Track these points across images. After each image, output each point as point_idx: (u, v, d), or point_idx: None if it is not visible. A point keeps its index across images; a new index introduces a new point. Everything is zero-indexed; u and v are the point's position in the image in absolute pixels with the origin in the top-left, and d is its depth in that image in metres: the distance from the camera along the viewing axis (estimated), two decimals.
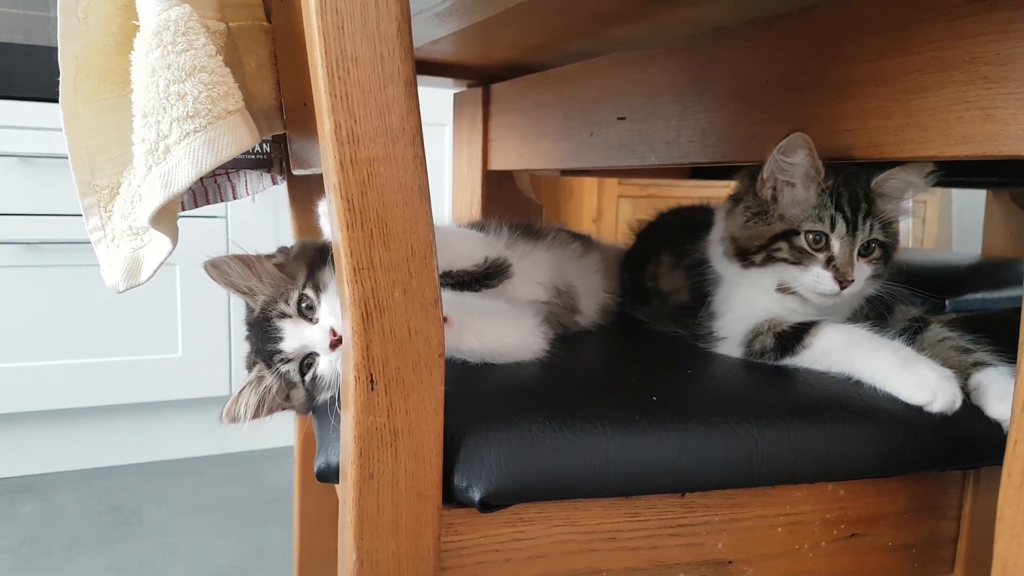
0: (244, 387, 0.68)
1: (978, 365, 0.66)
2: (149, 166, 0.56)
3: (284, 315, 0.66)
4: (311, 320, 0.66)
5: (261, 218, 2.15)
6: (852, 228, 0.68)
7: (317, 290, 0.66)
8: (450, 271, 0.67)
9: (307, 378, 0.66)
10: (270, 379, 0.67)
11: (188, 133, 0.55)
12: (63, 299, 1.97)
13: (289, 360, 0.66)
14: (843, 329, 0.68)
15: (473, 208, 1.36)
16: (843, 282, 0.68)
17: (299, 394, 0.67)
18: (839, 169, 0.70)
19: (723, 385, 0.67)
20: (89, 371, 2.03)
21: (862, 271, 0.69)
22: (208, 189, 0.93)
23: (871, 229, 0.69)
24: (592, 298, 0.85)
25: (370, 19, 0.47)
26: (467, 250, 0.69)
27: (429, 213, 0.49)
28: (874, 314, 0.74)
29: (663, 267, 0.86)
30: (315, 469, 0.57)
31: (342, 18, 0.47)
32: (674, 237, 0.82)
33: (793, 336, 0.68)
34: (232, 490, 1.99)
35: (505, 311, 0.67)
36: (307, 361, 0.66)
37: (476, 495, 0.52)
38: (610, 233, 2.40)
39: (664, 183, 2.44)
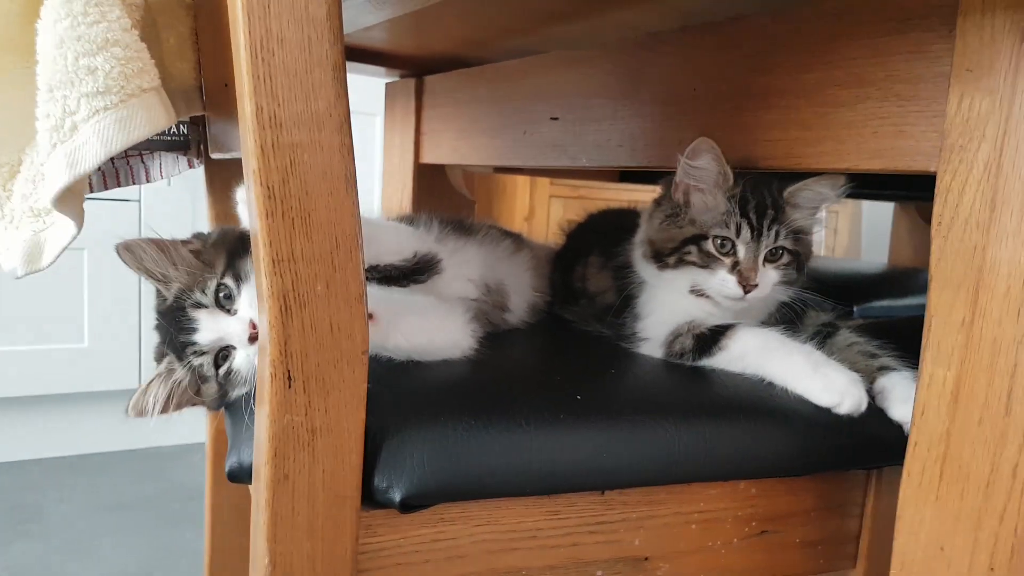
0: (153, 379, 0.65)
1: (883, 369, 0.70)
2: (54, 144, 0.52)
3: (200, 305, 0.63)
4: (229, 311, 0.63)
5: (177, 202, 2.06)
6: (757, 234, 0.71)
7: (237, 280, 0.63)
8: (377, 265, 0.65)
9: (221, 372, 0.63)
10: (180, 372, 0.64)
11: (98, 110, 0.52)
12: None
13: (203, 353, 0.63)
14: (758, 333, 0.70)
15: (404, 202, 1.34)
16: (747, 286, 0.70)
17: (211, 389, 0.64)
18: (750, 178, 0.72)
19: (645, 385, 0.68)
20: None
21: (768, 276, 0.71)
22: (119, 170, 0.89)
23: (777, 236, 0.71)
24: (522, 296, 0.85)
25: (299, 0, 0.45)
26: (395, 243, 0.67)
27: (356, 204, 0.48)
28: (787, 319, 0.77)
29: (591, 268, 0.86)
30: (226, 469, 0.55)
31: None
32: (602, 239, 0.83)
33: (711, 338, 0.70)
34: (141, 488, 1.90)
35: (434, 308, 0.66)
36: (222, 354, 0.63)
37: (397, 496, 0.51)
38: (541, 232, 2.42)
39: (595, 185, 2.48)
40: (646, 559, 0.61)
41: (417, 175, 1.30)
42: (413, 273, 0.67)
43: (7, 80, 0.62)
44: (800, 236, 0.73)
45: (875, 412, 0.67)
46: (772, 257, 0.71)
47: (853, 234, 3.54)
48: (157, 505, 1.82)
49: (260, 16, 0.45)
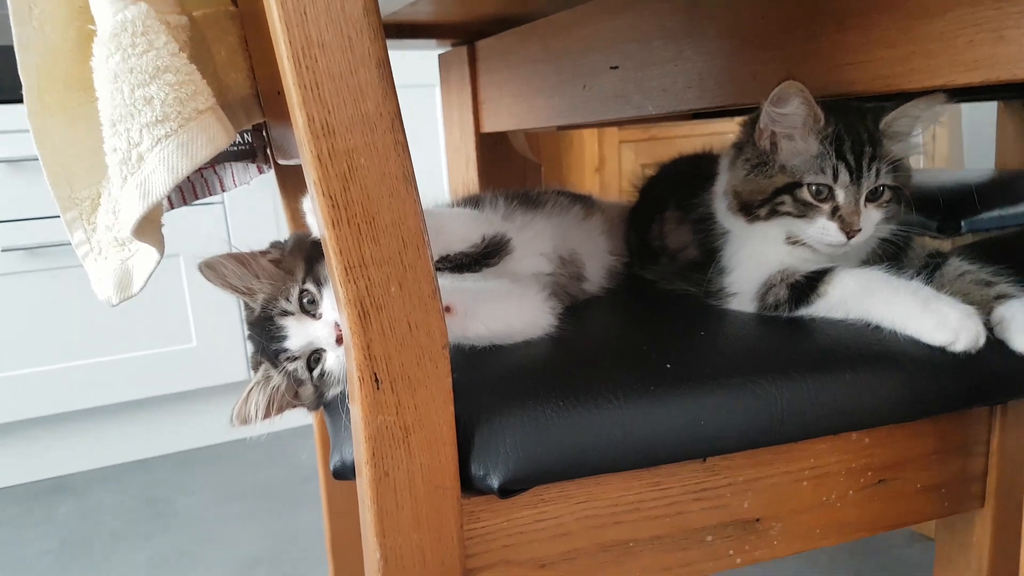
0: (252, 388, 0.67)
1: (1001, 298, 0.64)
2: (124, 176, 0.54)
3: (286, 312, 0.64)
4: (314, 316, 0.64)
5: (259, 202, 2.12)
6: (856, 176, 0.66)
7: (318, 284, 0.64)
8: (447, 255, 0.65)
9: (315, 375, 0.65)
10: (277, 378, 0.66)
11: (160, 139, 0.52)
12: (72, 301, 1.97)
13: (296, 358, 0.65)
14: (858, 274, 0.66)
15: (469, 174, 1.33)
16: (850, 232, 0.65)
17: (308, 391, 0.66)
18: (841, 112, 0.67)
19: (738, 344, 0.65)
20: (109, 369, 2.04)
21: (871, 217, 0.66)
22: (195, 184, 0.91)
23: (878, 174, 0.66)
24: (598, 263, 0.83)
25: (333, 1, 0.44)
26: (462, 231, 0.67)
27: (417, 201, 0.47)
28: (889, 254, 0.72)
29: (668, 223, 0.83)
30: (331, 468, 0.56)
31: (304, 3, 0.44)
32: (678, 190, 0.79)
33: (807, 286, 0.66)
34: (262, 473, 2.01)
35: (510, 291, 0.65)
36: (314, 357, 0.65)
37: (495, 482, 0.51)
38: (614, 182, 2.36)
39: (666, 125, 2.38)
40: (757, 520, 0.60)
41: (480, 145, 1.28)
42: (484, 257, 0.66)
43: (76, 116, 0.64)
44: (900, 168, 0.67)
45: (995, 345, 0.62)
46: (873, 196, 0.66)
47: (954, 142, 3.29)
48: (280, 488, 1.93)
49: (298, 23, 0.44)
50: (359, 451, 0.49)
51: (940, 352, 0.60)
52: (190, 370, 2.12)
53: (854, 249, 0.69)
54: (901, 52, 0.61)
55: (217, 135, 0.55)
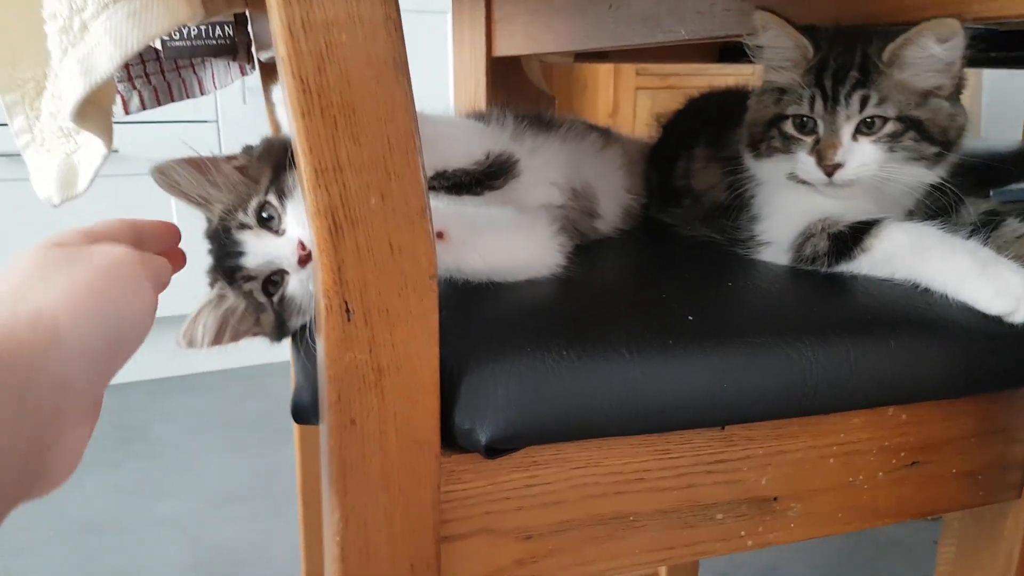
0: (203, 307, 0.59)
1: None
2: (65, 48, 0.45)
3: (244, 226, 0.56)
4: (276, 231, 0.56)
5: (253, 119, 2.01)
6: (832, 104, 0.59)
7: (281, 196, 0.55)
8: (444, 171, 0.56)
9: (275, 299, 0.57)
10: (233, 300, 0.58)
11: (107, 4, 0.43)
12: (47, 213, 1.88)
13: (252, 278, 0.57)
14: (909, 228, 0.58)
15: (478, 101, 1.23)
16: (827, 167, 0.59)
17: (268, 318, 0.58)
18: (842, 40, 0.60)
19: (770, 299, 0.57)
20: None
21: (862, 153, 0.59)
22: (171, 84, 0.82)
23: (864, 102, 0.58)
24: (613, 199, 0.74)
25: None
26: (464, 144, 0.57)
27: (409, 95, 0.39)
28: (940, 208, 0.64)
29: (696, 161, 0.74)
30: (291, 408, 0.49)
31: None
32: (708, 126, 0.70)
33: (851, 238, 0.58)
34: (243, 406, 1.96)
35: (514, 220, 0.57)
36: (273, 279, 0.57)
37: (482, 438, 0.44)
38: (627, 129, 2.26)
39: (687, 70, 2.26)
40: (775, 499, 0.53)
41: (491, 70, 1.17)
42: (487, 178, 0.57)
43: None
44: (923, 100, 0.59)
45: None
46: (868, 129, 0.59)
47: (973, 110, 3.19)
48: (260, 423, 1.88)
49: None
50: (323, 393, 0.42)
51: (996, 323, 0.53)
52: (174, 294, 2.04)
53: (886, 195, 0.61)
54: None
55: (178, 6, 0.45)
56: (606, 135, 0.80)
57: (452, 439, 0.45)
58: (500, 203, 0.58)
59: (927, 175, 0.61)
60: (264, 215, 0.56)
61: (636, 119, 2.29)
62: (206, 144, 2.06)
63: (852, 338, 0.51)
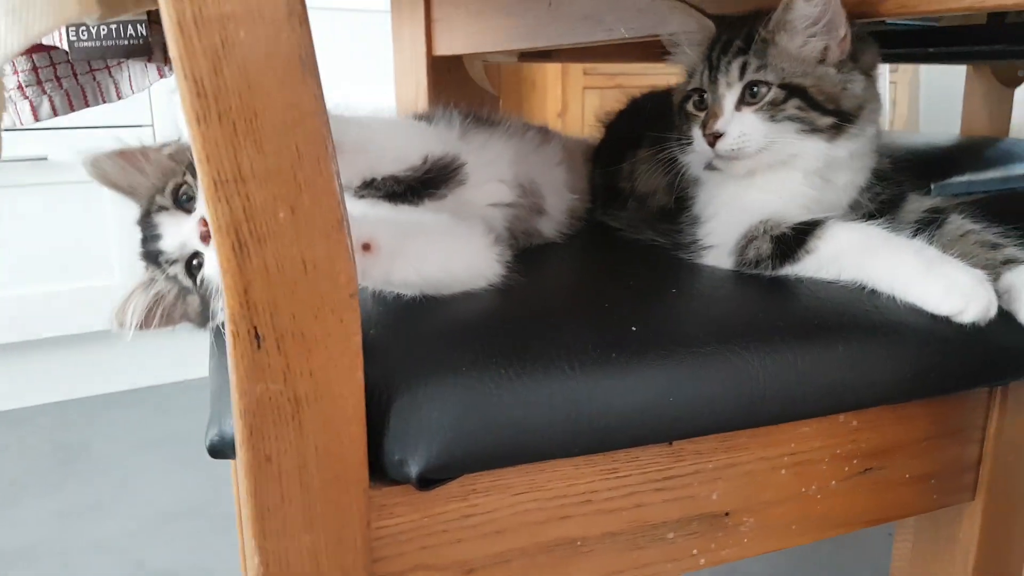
0: (134, 290, 0.57)
1: (1009, 263, 0.56)
2: None
3: (162, 208, 0.55)
4: (189, 211, 0.54)
5: None
6: (715, 73, 0.59)
7: (197, 176, 0.53)
8: (373, 180, 0.52)
9: (198, 281, 0.55)
10: (161, 283, 0.56)
11: None
12: None
13: (174, 260, 0.55)
14: (854, 228, 0.57)
15: (419, 101, 1.19)
16: (710, 136, 0.59)
17: (195, 302, 0.56)
18: (741, 22, 0.61)
19: (715, 305, 0.55)
20: (20, 303, 1.87)
21: (744, 122, 0.58)
22: (85, 88, 0.77)
23: (744, 69, 0.58)
24: (558, 197, 0.71)
25: None
26: (396, 147, 0.53)
27: (319, 96, 0.35)
28: (883, 205, 0.63)
29: (639, 163, 0.72)
30: (207, 445, 0.45)
31: None
32: (651, 127, 0.68)
33: (794, 239, 0.56)
34: (186, 421, 1.88)
35: (448, 228, 0.53)
36: (195, 262, 0.54)
37: (413, 470, 0.40)
38: (576, 128, 2.25)
39: (635, 70, 2.26)
40: (727, 514, 0.51)
41: (432, 70, 1.14)
42: (424, 186, 0.54)
43: None
44: (810, 68, 0.58)
45: (1003, 317, 0.53)
46: (751, 98, 0.58)
47: (911, 106, 3.27)
48: (203, 438, 1.81)
49: None
50: (236, 427, 0.38)
51: (944, 323, 0.52)
52: (109, 308, 1.96)
53: (827, 192, 0.61)
54: None
55: (64, 2, 0.41)
56: (544, 132, 0.77)
57: (382, 470, 0.41)
58: (439, 208, 0.55)
59: (829, 148, 0.59)
60: (182, 196, 0.54)
61: (584, 119, 2.28)
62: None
63: (799, 344, 0.49)
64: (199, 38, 0.33)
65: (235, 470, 0.95)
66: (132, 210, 0.59)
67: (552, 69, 2.29)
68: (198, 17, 0.32)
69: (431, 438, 0.41)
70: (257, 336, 0.36)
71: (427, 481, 0.41)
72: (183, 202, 0.54)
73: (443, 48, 1.12)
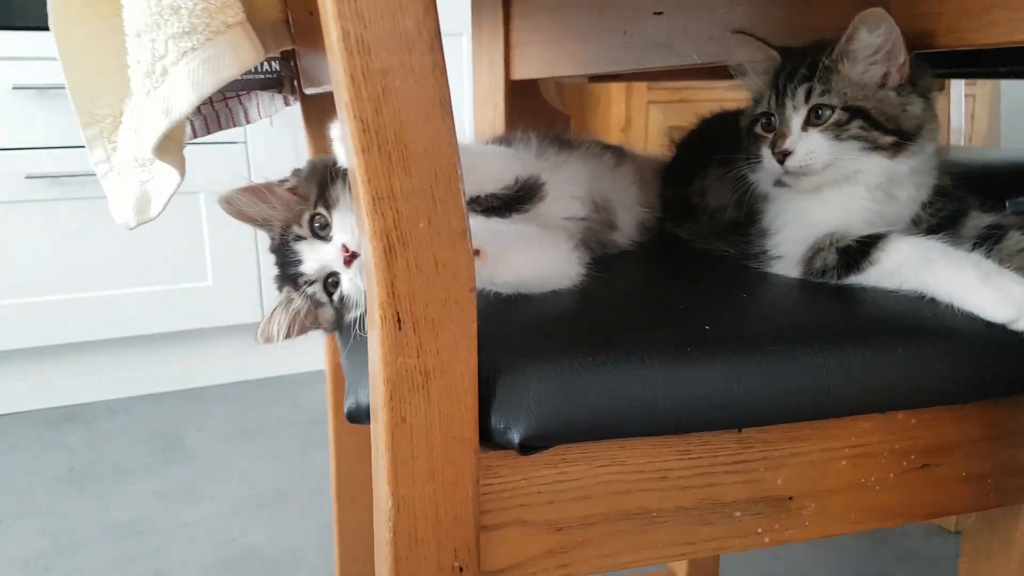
0: (276, 308, 0.68)
1: None
2: (147, 91, 0.50)
3: (299, 237, 0.64)
4: (326, 239, 0.64)
5: (280, 141, 2.09)
6: (782, 98, 0.66)
7: (328, 207, 0.63)
8: (478, 196, 0.61)
9: (335, 298, 0.65)
10: (298, 301, 0.66)
11: (186, 52, 0.49)
12: (92, 231, 1.96)
13: (313, 281, 0.65)
14: (915, 242, 0.62)
15: (496, 123, 1.28)
16: (778, 155, 0.65)
17: (328, 313, 0.66)
18: (806, 51, 0.67)
19: (782, 309, 0.61)
20: (122, 302, 2.04)
21: (810, 141, 0.64)
22: (219, 114, 0.88)
23: (809, 93, 0.64)
24: (629, 213, 0.79)
25: None
26: (496, 170, 0.63)
27: (452, 131, 0.43)
28: (945, 220, 0.68)
29: (710, 180, 0.78)
30: (345, 410, 0.54)
31: None
32: (721, 145, 0.74)
33: (859, 251, 0.62)
34: (272, 414, 2.02)
35: (539, 238, 0.62)
36: (331, 280, 0.65)
37: (515, 437, 0.48)
38: (640, 143, 2.30)
39: (698, 86, 2.30)
40: (790, 498, 0.56)
41: (509, 93, 1.23)
42: (516, 202, 0.63)
43: (101, 29, 0.60)
44: (871, 92, 0.63)
45: None
46: (816, 120, 0.64)
47: (992, 120, 3.18)
48: (288, 429, 1.94)
49: None
50: (376, 395, 0.47)
51: (1000, 331, 0.56)
52: (204, 308, 2.12)
53: (889, 204, 0.66)
54: (979, 3, 0.56)
55: (245, 52, 0.51)
56: (619, 153, 0.85)
57: (489, 437, 0.49)
58: (524, 220, 0.63)
59: (890, 164, 0.64)
60: (316, 225, 0.63)
61: (648, 133, 2.32)
62: (238, 162, 2.14)
63: (861, 345, 0.55)
64: (365, 87, 0.41)
65: (333, 451, 1.05)
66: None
67: (616, 84, 2.34)
68: (366, 71, 0.41)
69: (530, 412, 0.48)
70: (399, 320, 0.44)
71: (526, 448, 0.49)
72: (319, 230, 0.63)
73: (520, 73, 1.20)
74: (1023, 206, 1.46)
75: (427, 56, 0.42)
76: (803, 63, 0.65)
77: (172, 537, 1.48)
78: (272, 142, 2.09)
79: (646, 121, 2.36)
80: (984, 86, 3.08)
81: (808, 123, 0.64)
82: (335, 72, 0.42)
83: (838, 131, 0.63)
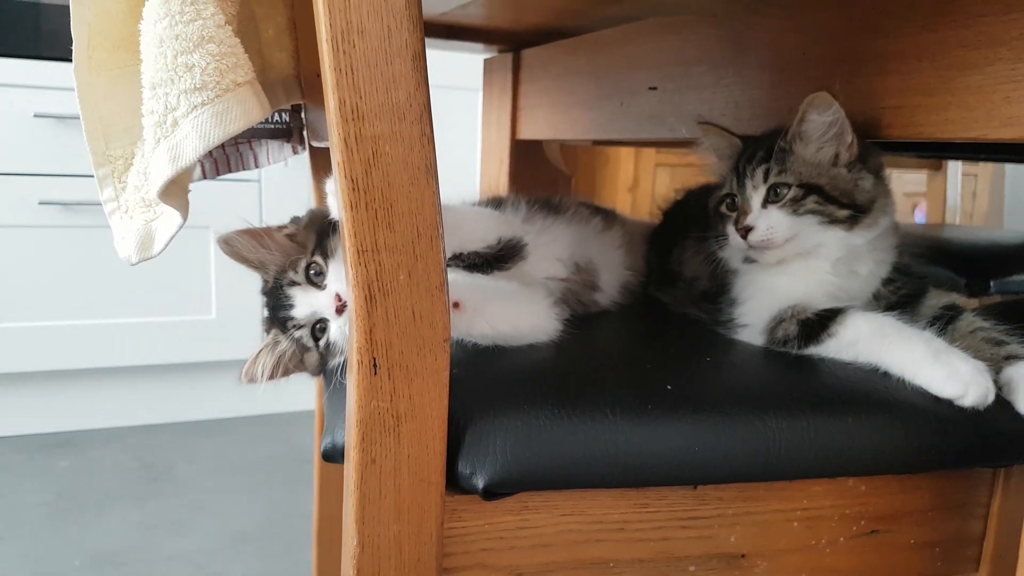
0: (261, 350, 0.70)
1: (1011, 359, 0.63)
2: (158, 139, 0.55)
3: (294, 283, 0.68)
4: (320, 287, 0.67)
5: (294, 181, 2.15)
6: (743, 179, 0.70)
7: (325, 257, 0.67)
8: (461, 253, 0.66)
9: (321, 344, 0.68)
10: (285, 344, 0.69)
11: (196, 106, 0.54)
12: (99, 259, 2.01)
13: (302, 326, 0.68)
14: (872, 318, 0.65)
15: (501, 178, 1.34)
16: (742, 230, 0.69)
17: (313, 358, 0.69)
18: (766, 136, 0.72)
19: (742, 374, 0.64)
20: (125, 331, 2.07)
21: (770, 217, 0.68)
22: (230, 157, 0.93)
23: (767, 173, 0.69)
24: (613, 275, 0.83)
25: None
26: (479, 231, 0.67)
27: (436, 193, 0.48)
28: (901, 301, 0.71)
29: (687, 251, 0.83)
30: (322, 449, 0.57)
31: None
32: (700, 218, 0.79)
33: (818, 324, 0.66)
34: (262, 450, 2.03)
35: (518, 293, 0.66)
36: (319, 327, 0.68)
37: (480, 482, 0.51)
38: (646, 203, 2.35)
39: None
40: (743, 556, 0.59)
41: (514, 151, 1.29)
42: (497, 260, 0.67)
43: (120, 77, 0.65)
44: (824, 170, 0.68)
45: (1003, 405, 0.60)
46: (775, 197, 0.68)
47: (994, 201, 3.23)
48: (276, 467, 1.95)
49: (341, 8, 0.45)
50: (349, 434, 0.50)
51: (947, 406, 0.59)
52: (206, 341, 2.15)
53: (850, 282, 0.70)
54: (939, 101, 0.60)
55: (252, 108, 0.56)
56: (609, 217, 0.89)
57: (456, 481, 0.52)
58: (507, 277, 0.67)
59: (848, 237, 0.68)
60: (311, 272, 0.67)
61: (655, 194, 2.38)
62: (250, 201, 2.20)
63: (814, 412, 0.58)
64: (357, 151, 0.46)
65: (317, 490, 1.07)
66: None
67: (626, 147, 2.40)
68: (359, 136, 0.46)
69: (495, 459, 0.51)
70: (375, 365, 0.48)
71: (490, 493, 0.52)
72: (313, 278, 0.67)
73: (526, 133, 1.26)
74: (1008, 287, 1.49)
75: (416, 125, 0.47)
76: (761, 147, 0.70)
77: (155, 569, 1.48)
78: (286, 182, 2.15)
79: (653, 182, 2.42)
80: (987, 166, 3.14)
81: (768, 201, 0.69)
82: (331, 135, 0.47)
83: (795, 206, 0.67)
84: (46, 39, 1.95)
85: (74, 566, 1.48)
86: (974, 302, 1.42)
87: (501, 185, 1.33)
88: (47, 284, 1.99)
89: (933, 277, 1.28)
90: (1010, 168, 3.14)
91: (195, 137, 0.53)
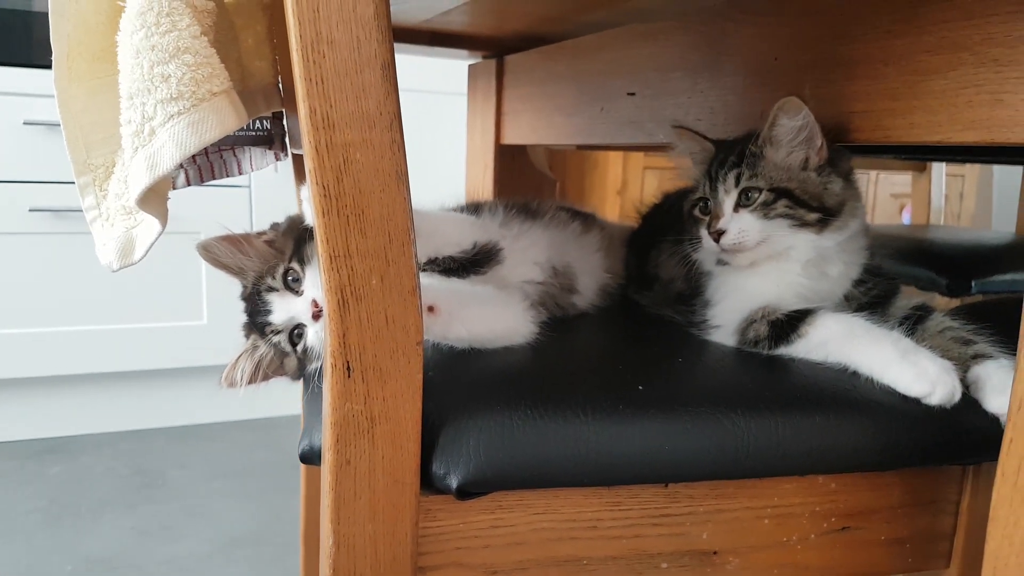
0: (241, 355, 0.71)
1: (978, 357, 0.64)
2: (135, 148, 0.56)
3: (272, 288, 0.69)
4: (297, 292, 0.68)
5: (284, 186, 2.15)
6: (716, 183, 0.71)
7: (302, 263, 0.68)
8: (436, 258, 0.67)
9: (298, 348, 0.69)
10: (264, 348, 0.70)
11: (172, 115, 0.55)
12: (90, 265, 2.01)
13: (279, 331, 0.69)
14: (841, 318, 0.66)
15: (486, 182, 1.35)
16: (714, 233, 0.70)
17: (292, 363, 0.70)
18: (738, 141, 0.73)
19: (714, 374, 0.65)
20: (117, 337, 2.08)
21: (742, 221, 0.69)
22: (214, 164, 0.94)
23: (738, 178, 0.70)
24: (591, 278, 0.84)
25: (346, 1, 0.46)
26: (455, 236, 0.68)
27: (407, 199, 0.49)
28: (872, 303, 0.73)
29: (663, 253, 0.84)
30: (299, 451, 0.58)
31: (317, 0, 0.46)
32: (675, 221, 0.80)
33: (788, 324, 0.67)
34: (254, 455, 2.03)
35: (494, 297, 0.67)
36: (296, 332, 0.69)
37: (453, 482, 0.52)
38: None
39: None
40: (714, 553, 0.60)
41: (498, 156, 1.30)
42: (472, 265, 0.68)
43: (100, 87, 0.66)
44: (795, 174, 0.69)
45: (971, 403, 0.62)
46: (746, 201, 0.70)
47: (981, 202, 3.26)
48: (268, 472, 1.95)
49: (310, 19, 0.46)
50: (325, 436, 0.51)
51: (915, 404, 0.61)
52: (197, 347, 2.15)
53: (820, 283, 0.71)
54: (904, 105, 0.62)
55: (228, 117, 0.57)
56: (588, 221, 0.90)
57: (430, 481, 0.53)
58: (483, 282, 0.68)
59: (818, 239, 0.69)
60: (289, 279, 0.67)
61: (643, 196, 2.39)
62: (240, 207, 2.20)
63: (783, 411, 0.59)
64: (329, 158, 0.47)
65: (303, 495, 1.08)
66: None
67: (614, 151, 2.42)
68: (329, 144, 0.47)
69: (469, 459, 0.52)
70: (348, 368, 0.49)
71: (464, 493, 0.53)
72: (291, 283, 0.68)
73: (510, 138, 1.28)
74: (989, 286, 1.51)
75: (387, 133, 0.48)
76: (733, 151, 0.72)
77: (147, 575, 1.48)
78: (276, 188, 2.16)
79: (642, 185, 2.43)
80: (973, 167, 3.16)
81: (739, 205, 0.70)
82: (303, 142, 0.48)
83: (766, 210, 0.69)
84: (36, 47, 1.96)
85: (66, 572, 1.48)
86: (955, 302, 1.44)
87: (486, 190, 1.35)
88: (38, 290, 2.00)
89: (914, 277, 1.29)
90: (998, 169, 3.16)
91: (172, 146, 0.54)
